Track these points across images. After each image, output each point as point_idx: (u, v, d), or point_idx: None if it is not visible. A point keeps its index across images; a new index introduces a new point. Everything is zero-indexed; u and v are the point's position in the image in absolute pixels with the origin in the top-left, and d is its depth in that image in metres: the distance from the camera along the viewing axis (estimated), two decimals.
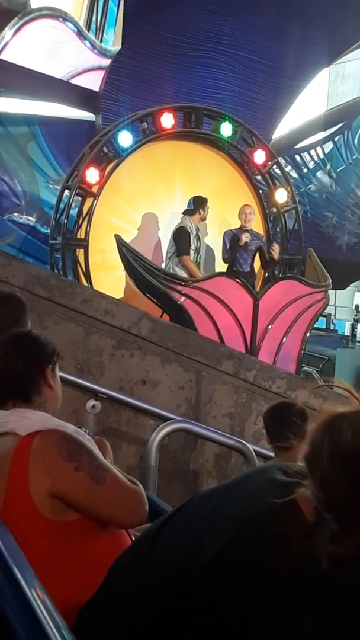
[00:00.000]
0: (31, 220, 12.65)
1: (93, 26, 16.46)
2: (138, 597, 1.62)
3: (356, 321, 23.62)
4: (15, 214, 12.57)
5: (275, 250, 10.69)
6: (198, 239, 10.46)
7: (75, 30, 14.52)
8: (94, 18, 16.70)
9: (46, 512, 2.50)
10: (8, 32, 13.19)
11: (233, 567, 1.45)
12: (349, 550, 0.88)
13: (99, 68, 13.25)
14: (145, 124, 10.61)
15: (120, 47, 13.55)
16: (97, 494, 2.52)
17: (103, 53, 14.06)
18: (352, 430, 0.95)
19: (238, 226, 10.52)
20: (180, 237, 10.25)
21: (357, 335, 22.73)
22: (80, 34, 14.61)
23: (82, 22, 15.58)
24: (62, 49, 13.78)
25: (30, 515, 2.48)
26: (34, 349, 2.89)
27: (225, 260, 10.61)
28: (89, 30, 15.59)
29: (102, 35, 16.30)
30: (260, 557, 1.43)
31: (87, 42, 14.58)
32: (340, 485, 0.90)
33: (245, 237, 10.34)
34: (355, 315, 24.20)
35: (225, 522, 1.55)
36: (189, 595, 1.48)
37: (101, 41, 15.66)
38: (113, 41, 15.32)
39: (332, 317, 19.94)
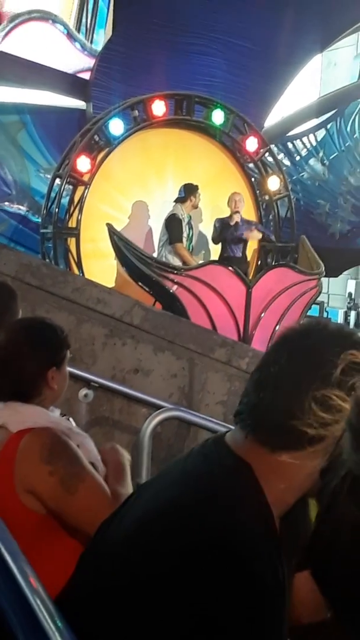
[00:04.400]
0: (22, 209, 12.57)
1: (83, 28, 16.41)
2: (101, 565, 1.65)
3: (349, 309, 23.67)
4: (6, 203, 12.50)
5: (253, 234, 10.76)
6: (190, 227, 10.43)
7: (65, 32, 14.46)
8: (83, 19, 16.65)
9: (29, 505, 2.51)
10: None
11: (183, 516, 1.49)
12: None
13: (89, 70, 13.17)
14: (137, 111, 10.57)
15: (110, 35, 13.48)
16: (65, 502, 2.50)
17: (93, 54, 13.98)
18: None
19: (228, 214, 10.50)
20: (172, 224, 10.22)
21: (350, 323, 22.77)
22: (70, 35, 14.55)
23: (71, 24, 15.53)
24: (52, 51, 13.70)
25: (14, 507, 2.49)
26: (43, 345, 2.82)
27: (214, 241, 10.63)
28: (79, 32, 15.53)
29: (92, 37, 16.25)
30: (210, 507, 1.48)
31: (77, 44, 14.52)
32: None
33: (236, 217, 10.35)
34: (348, 303, 24.24)
35: (176, 479, 1.61)
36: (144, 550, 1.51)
37: (91, 42, 15.60)
38: (103, 42, 15.23)
39: (325, 305, 19.91)
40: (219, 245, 10.73)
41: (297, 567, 1.65)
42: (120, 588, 1.54)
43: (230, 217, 10.41)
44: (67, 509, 2.50)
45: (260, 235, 10.92)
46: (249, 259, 10.93)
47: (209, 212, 11.15)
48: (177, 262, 9.99)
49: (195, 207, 10.50)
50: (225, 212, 10.61)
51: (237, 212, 10.43)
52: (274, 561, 1.46)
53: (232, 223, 10.37)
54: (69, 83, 12.89)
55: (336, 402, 1.43)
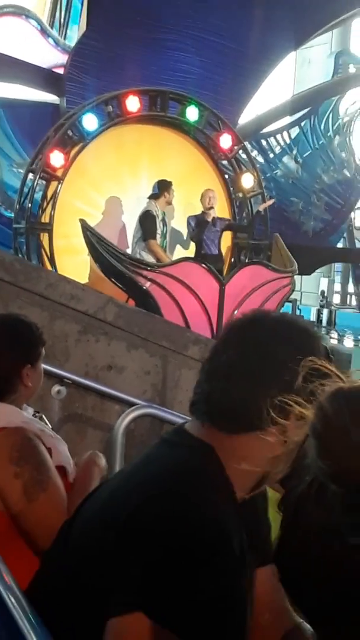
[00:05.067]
0: None
1: (56, 23, 16.36)
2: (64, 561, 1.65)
3: (321, 307, 23.77)
4: None
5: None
6: (164, 224, 10.42)
7: (39, 27, 14.42)
8: (57, 15, 16.59)
9: None
10: None
11: (153, 521, 1.49)
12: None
13: (62, 66, 13.12)
14: (111, 107, 10.54)
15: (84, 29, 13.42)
16: (22, 507, 2.48)
17: (66, 50, 13.92)
18: None
19: (200, 211, 10.50)
20: (146, 221, 10.20)
21: (323, 321, 22.87)
22: (43, 31, 14.52)
23: (45, 19, 15.48)
24: (25, 47, 13.63)
25: None
26: (18, 342, 2.80)
27: (192, 239, 10.61)
28: (52, 28, 15.48)
29: (66, 32, 16.22)
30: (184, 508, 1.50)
31: (50, 40, 14.50)
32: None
33: (211, 213, 10.35)
34: (321, 301, 24.35)
35: (142, 482, 1.61)
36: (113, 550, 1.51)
37: (65, 38, 15.56)
38: (77, 38, 15.19)
39: (298, 302, 20.00)
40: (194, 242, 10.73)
41: (259, 562, 1.73)
42: (88, 570, 1.55)
43: (206, 213, 10.39)
44: (24, 515, 2.48)
45: (272, 201, 11.03)
46: (223, 254, 10.93)
47: (182, 209, 11.13)
48: (150, 258, 9.98)
49: (169, 203, 10.48)
50: (198, 209, 10.58)
51: (212, 207, 10.42)
52: (238, 532, 1.54)
53: (209, 219, 10.36)
54: (43, 77, 12.85)
55: (297, 409, 1.47)
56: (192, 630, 1.42)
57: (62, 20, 16.75)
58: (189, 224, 10.58)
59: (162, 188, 10.35)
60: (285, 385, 1.55)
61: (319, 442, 0.92)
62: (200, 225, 10.43)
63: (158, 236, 10.24)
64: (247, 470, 1.60)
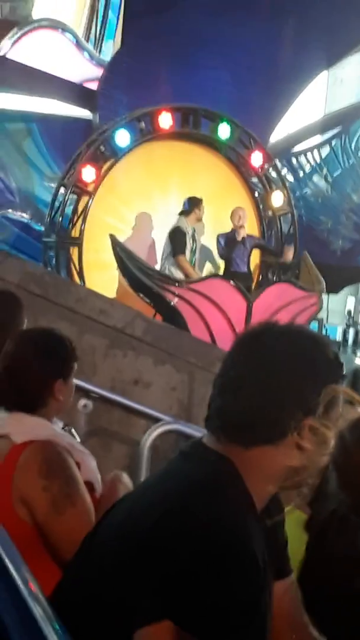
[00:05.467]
0: (25, 217, 12.59)
1: (92, 38, 16.46)
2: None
3: (348, 326, 23.65)
4: (9, 211, 12.52)
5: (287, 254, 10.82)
6: (194, 240, 10.42)
7: (74, 41, 14.50)
8: (92, 29, 16.70)
9: (21, 514, 2.52)
10: (6, 42, 13.11)
11: (176, 531, 1.51)
12: None
13: (97, 79, 13.20)
14: (143, 123, 10.59)
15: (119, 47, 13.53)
16: (51, 520, 2.50)
17: (101, 64, 14.01)
18: None
19: (230, 229, 10.51)
20: (176, 237, 10.22)
21: (349, 341, 22.75)
22: (79, 45, 14.59)
23: (81, 34, 15.56)
24: (60, 60, 13.74)
25: (8, 515, 2.49)
26: (51, 356, 2.81)
27: (221, 257, 10.62)
28: (87, 42, 15.57)
29: (101, 47, 16.30)
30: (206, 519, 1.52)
31: (85, 53, 14.56)
32: None
33: (242, 232, 10.35)
34: (347, 321, 24.23)
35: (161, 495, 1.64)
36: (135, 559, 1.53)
37: (99, 53, 15.64)
38: (111, 52, 15.29)
39: (324, 321, 19.92)
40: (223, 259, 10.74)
41: (275, 575, 1.75)
42: (111, 582, 1.56)
43: (236, 231, 10.40)
44: (50, 528, 2.50)
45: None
46: (252, 272, 10.93)
47: (211, 226, 11.14)
48: (179, 274, 9.99)
49: (200, 220, 10.48)
50: (227, 226, 10.60)
51: (242, 226, 10.42)
52: (260, 544, 1.57)
53: (239, 238, 10.37)
54: (76, 92, 12.95)
55: (321, 431, 1.49)
56: (217, 637, 1.44)
57: (97, 34, 16.84)
58: (218, 242, 10.58)
59: (193, 204, 10.38)
60: (295, 395, 1.65)
61: (339, 474, 0.93)
62: (229, 244, 10.44)
63: (187, 252, 10.25)
64: (265, 483, 1.64)
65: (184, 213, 10.39)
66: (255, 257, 11.08)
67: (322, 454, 0.99)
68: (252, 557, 1.50)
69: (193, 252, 10.45)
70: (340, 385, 1.69)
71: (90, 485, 2.66)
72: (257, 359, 1.71)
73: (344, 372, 1.76)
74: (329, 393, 1.57)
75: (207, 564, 1.45)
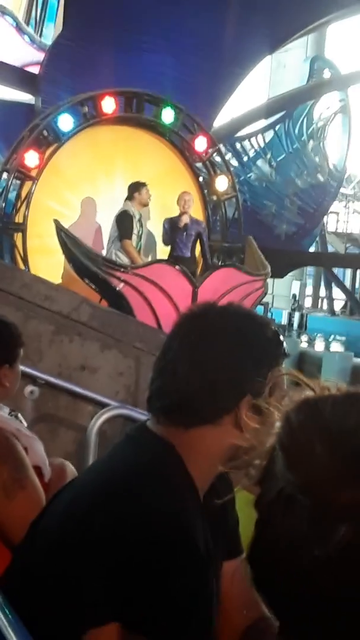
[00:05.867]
0: None
1: (32, 21, 16.30)
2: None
3: (293, 310, 23.87)
4: None
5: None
6: (141, 224, 10.37)
7: (14, 24, 14.35)
8: (33, 12, 16.54)
9: None
10: None
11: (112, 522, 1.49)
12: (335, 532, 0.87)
13: (38, 63, 13.08)
14: (86, 107, 10.53)
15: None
16: (1, 506, 2.48)
17: (42, 48, 13.89)
18: (339, 412, 0.93)
19: (178, 214, 10.50)
20: (123, 220, 10.18)
21: (294, 325, 22.97)
22: (19, 28, 14.45)
23: (21, 17, 15.41)
24: (0, 43, 13.57)
25: None
26: None
27: (165, 243, 10.61)
28: (28, 25, 15.42)
29: (42, 30, 16.18)
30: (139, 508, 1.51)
31: (26, 37, 14.43)
32: (325, 468, 0.89)
33: (184, 219, 10.33)
34: (293, 305, 24.45)
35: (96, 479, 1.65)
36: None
37: (40, 36, 15.51)
38: (53, 36, 15.17)
39: (270, 306, 20.08)
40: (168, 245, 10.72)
41: (227, 554, 1.77)
42: (55, 568, 1.54)
43: (179, 218, 10.39)
44: (1, 513, 2.48)
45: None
46: (197, 257, 10.94)
47: (157, 211, 11.14)
48: (125, 259, 9.96)
49: (144, 204, 10.39)
50: (174, 211, 10.59)
51: (185, 212, 10.40)
52: (201, 529, 1.58)
53: (181, 225, 10.36)
54: (17, 76, 12.82)
55: (264, 411, 1.50)
56: (162, 630, 1.43)
57: (38, 17, 16.72)
58: (164, 226, 10.58)
59: (132, 189, 10.30)
60: (231, 374, 1.65)
61: (285, 454, 0.93)
62: (173, 229, 10.44)
63: (134, 237, 10.21)
64: (208, 463, 1.63)
65: (128, 198, 10.34)
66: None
67: (268, 434, 0.99)
68: (190, 543, 1.50)
69: (139, 237, 10.41)
70: (283, 363, 1.71)
71: (38, 470, 2.65)
72: (192, 339, 1.70)
73: (286, 351, 1.75)
74: (274, 374, 1.58)
75: (143, 554, 1.44)
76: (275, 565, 0.93)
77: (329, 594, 0.87)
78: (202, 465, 1.64)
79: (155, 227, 11.02)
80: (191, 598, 1.47)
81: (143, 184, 10.32)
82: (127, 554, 1.44)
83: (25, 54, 14.04)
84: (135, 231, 10.21)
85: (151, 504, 1.51)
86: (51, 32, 15.80)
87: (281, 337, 1.76)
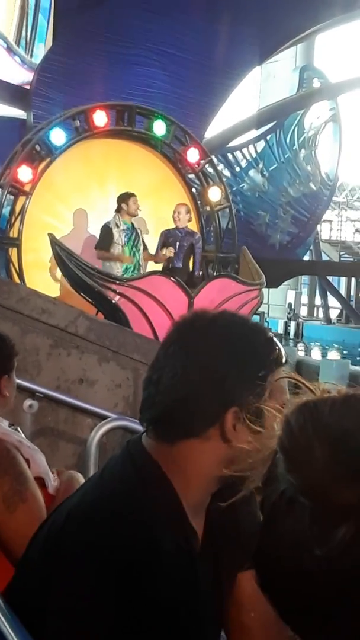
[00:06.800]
0: None
1: (23, 41, 16.36)
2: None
3: (289, 319, 23.92)
4: None
5: None
6: (129, 234, 10.33)
7: (5, 45, 14.39)
8: (23, 33, 16.60)
9: None
10: None
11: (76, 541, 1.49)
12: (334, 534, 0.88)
13: (29, 83, 13.12)
14: (78, 121, 10.57)
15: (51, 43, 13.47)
16: (3, 518, 2.48)
17: (33, 68, 13.94)
18: (338, 414, 0.94)
19: (173, 226, 10.54)
20: (101, 232, 10.30)
21: (290, 334, 23.01)
22: (9, 49, 14.49)
23: (11, 37, 15.45)
24: None
25: None
26: None
27: (155, 262, 10.67)
28: (18, 45, 15.47)
29: (32, 50, 16.23)
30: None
31: (16, 58, 14.46)
32: (324, 470, 0.90)
33: (168, 252, 10.38)
34: (288, 314, 24.49)
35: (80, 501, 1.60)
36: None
37: (31, 56, 15.56)
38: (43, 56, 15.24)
39: (266, 315, 20.12)
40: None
41: (242, 564, 1.67)
42: (38, 591, 1.53)
43: (177, 228, 10.47)
44: (1, 526, 2.48)
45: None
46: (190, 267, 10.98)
47: (153, 223, 11.17)
48: (118, 269, 10.01)
49: (132, 214, 10.36)
50: (168, 222, 10.62)
51: (178, 224, 10.49)
52: (182, 548, 1.51)
53: (176, 234, 10.43)
54: (9, 92, 12.84)
55: (232, 410, 1.51)
56: None
57: (28, 38, 16.78)
58: (159, 240, 10.63)
59: (119, 200, 10.37)
60: (215, 384, 1.57)
61: (286, 457, 0.94)
62: (166, 240, 10.50)
63: (119, 246, 10.21)
64: (198, 479, 1.57)
65: (117, 210, 10.39)
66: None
67: (270, 437, 1.00)
68: (162, 567, 1.45)
69: (130, 245, 10.37)
70: (278, 371, 1.61)
71: (40, 481, 2.65)
72: (175, 348, 1.63)
73: (283, 358, 1.66)
74: (274, 378, 1.57)
75: (111, 579, 1.42)
76: (279, 566, 0.94)
77: (330, 595, 0.88)
78: (192, 481, 1.57)
79: (154, 240, 11.03)
80: (161, 617, 1.43)
81: (130, 195, 10.34)
82: (90, 580, 1.43)
83: (16, 75, 14.07)
84: (119, 242, 10.21)
85: (117, 534, 1.47)
86: (41, 52, 15.86)
87: (276, 344, 1.67)
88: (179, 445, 1.57)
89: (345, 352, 21.60)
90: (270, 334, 1.71)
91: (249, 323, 1.73)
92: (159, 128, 10.98)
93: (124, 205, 10.32)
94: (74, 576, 1.45)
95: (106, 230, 10.25)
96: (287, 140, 17.07)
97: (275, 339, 1.70)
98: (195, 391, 1.56)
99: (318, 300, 28.93)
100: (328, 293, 27.03)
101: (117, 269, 10.10)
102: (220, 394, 1.56)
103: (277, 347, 1.66)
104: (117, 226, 10.26)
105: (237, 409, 1.53)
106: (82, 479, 2.88)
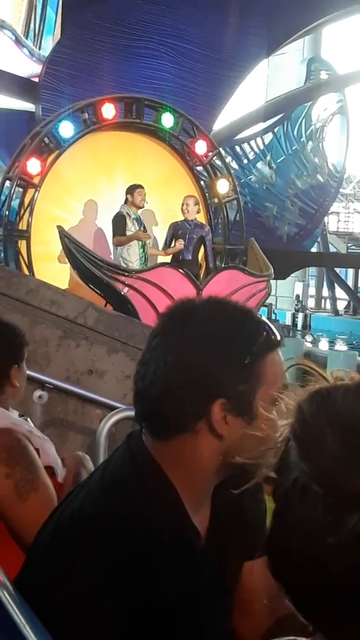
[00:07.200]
0: None
1: (31, 34, 16.35)
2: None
3: (297, 311, 23.92)
4: None
5: None
6: (139, 223, 10.38)
7: (13, 38, 14.39)
8: (31, 25, 16.59)
9: None
10: None
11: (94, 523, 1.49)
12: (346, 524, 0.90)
13: (37, 76, 13.14)
14: (87, 114, 10.58)
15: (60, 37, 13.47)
16: (15, 507, 2.51)
17: (41, 60, 13.95)
18: (351, 402, 0.96)
19: (182, 218, 10.57)
20: (116, 221, 10.31)
21: (298, 325, 23.01)
22: (18, 41, 14.49)
23: (20, 30, 15.45)
24: (0, 57, 13.63)
25: None
26: (5, 343, 2.85)
27: (166, 245, 10.69)
28: (27, 38, 15.46)
29: (41, 43, 16.22)
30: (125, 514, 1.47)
31: (25, 50, 14.46)
32: (336, 457, 0.91)
33: (178, 244, 10.41)
34: (296, 305, 24.49)
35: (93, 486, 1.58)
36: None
37: (39, 48, 15.55)
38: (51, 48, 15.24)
39: (273, 307, 20.13)
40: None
41: (250, 554, 1.69)
42: (44, 589, 1.54)
43: (186, 220, 10.50)
44: (14, 514, 2.52)
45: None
46: (199, 259, 11.00)
47: (161, 215, 11.20)
48: (133, 257, 10.05)
49: (139, 205, 10.43)
50: (177, 214, 10.65)
51: (186, 216, 10.51)
52: (189, 568, 1.49)
53: (184, 226, 10.46)
54: (18, 85, 12.86)
55: (219, 402, 1.46)
56: None
57: (36, 30, 16.78)
58: (168, 232, 10.65)
59: (127, 192, 10.42)
60: (201, 376, 1.49)
61: (298, 445, 0.96)
62: (175, 232, 10.52)
63: (130, 234, 10.28)
64: (195, 474, 1.53)
65: (125, 201, 10.43)
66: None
67: (280, 425, 1.01)
68: (163, 573, 1.44)
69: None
70: (272, 355, 1.54)
71: (50, 470, 2.69)
72: (158, 342, 1.55)
73: (276, 341, 1.56)
74: (267, 363, 1.51)
75: (111, 580, 1.42)
76: (291, 553, 0.94)
77: (343, 582, 0.89)
78: (190, 476, 1.52)
79: (160, 230, 11.06)
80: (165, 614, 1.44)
81: (137, 186, 10.38)
82: (89, 580, 1.44)
83: (24, 67, 14.08)
84: (132, 229, 10.25)
85: (120, 534, 1.46)
86: (50, 44, 15.84)
87: (266, 327, 1.57)
88: (173, 441, 1.51)
89: (353, 343, 21.61)
90: (259, 316, 1.65)
91: (234, 308, 1.61)
92: (167, 120, 10.99)
93: (129, 197, 10.38)
94: (77, 577, 1.45)
95: (120, 217, 10.31)
96: (295, 132, 17.05)
97: (265, 321, 1.61)
98: (176, 385, 1.50)
99: (325, 292, 28.88)
100: (335, 285, 27.02)
101: (135, 255, 10.13)
102: (202, 386, 1.49)
103: (266, 331, 1.55)
104: (129, 215, 10.30)
105: (224, 400, 1.47)
106: (87, 460, 2.91)
